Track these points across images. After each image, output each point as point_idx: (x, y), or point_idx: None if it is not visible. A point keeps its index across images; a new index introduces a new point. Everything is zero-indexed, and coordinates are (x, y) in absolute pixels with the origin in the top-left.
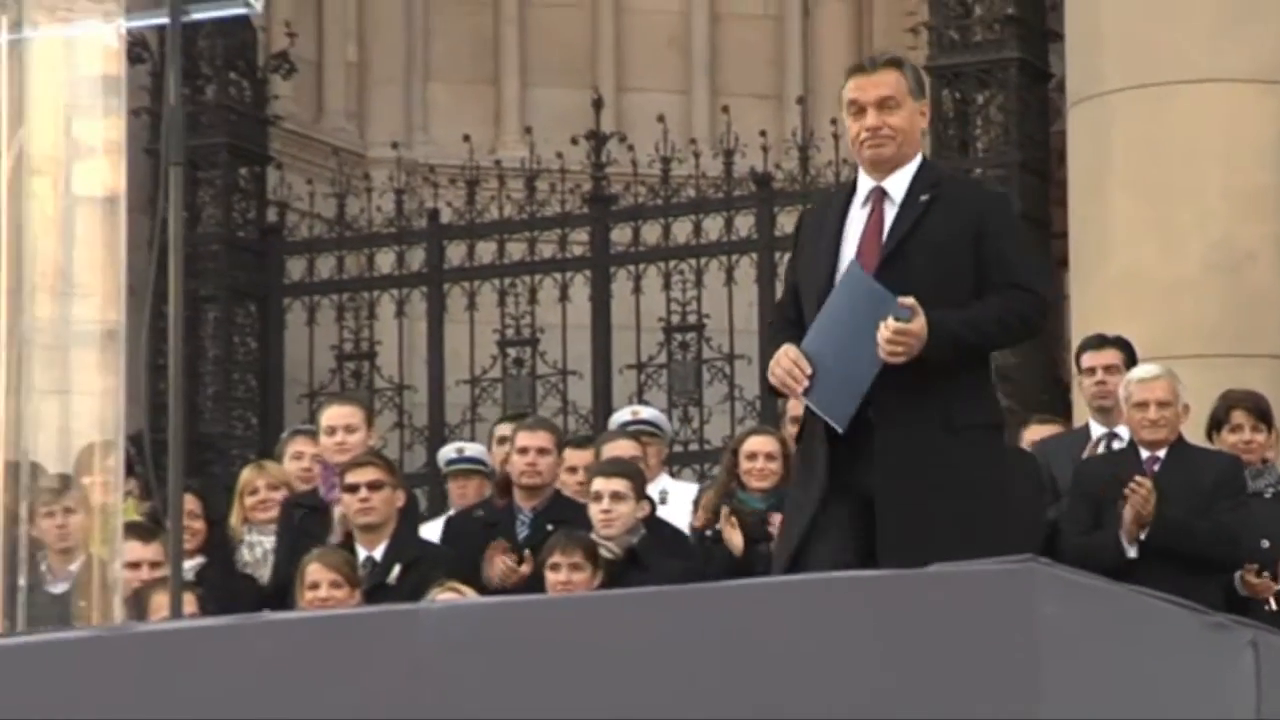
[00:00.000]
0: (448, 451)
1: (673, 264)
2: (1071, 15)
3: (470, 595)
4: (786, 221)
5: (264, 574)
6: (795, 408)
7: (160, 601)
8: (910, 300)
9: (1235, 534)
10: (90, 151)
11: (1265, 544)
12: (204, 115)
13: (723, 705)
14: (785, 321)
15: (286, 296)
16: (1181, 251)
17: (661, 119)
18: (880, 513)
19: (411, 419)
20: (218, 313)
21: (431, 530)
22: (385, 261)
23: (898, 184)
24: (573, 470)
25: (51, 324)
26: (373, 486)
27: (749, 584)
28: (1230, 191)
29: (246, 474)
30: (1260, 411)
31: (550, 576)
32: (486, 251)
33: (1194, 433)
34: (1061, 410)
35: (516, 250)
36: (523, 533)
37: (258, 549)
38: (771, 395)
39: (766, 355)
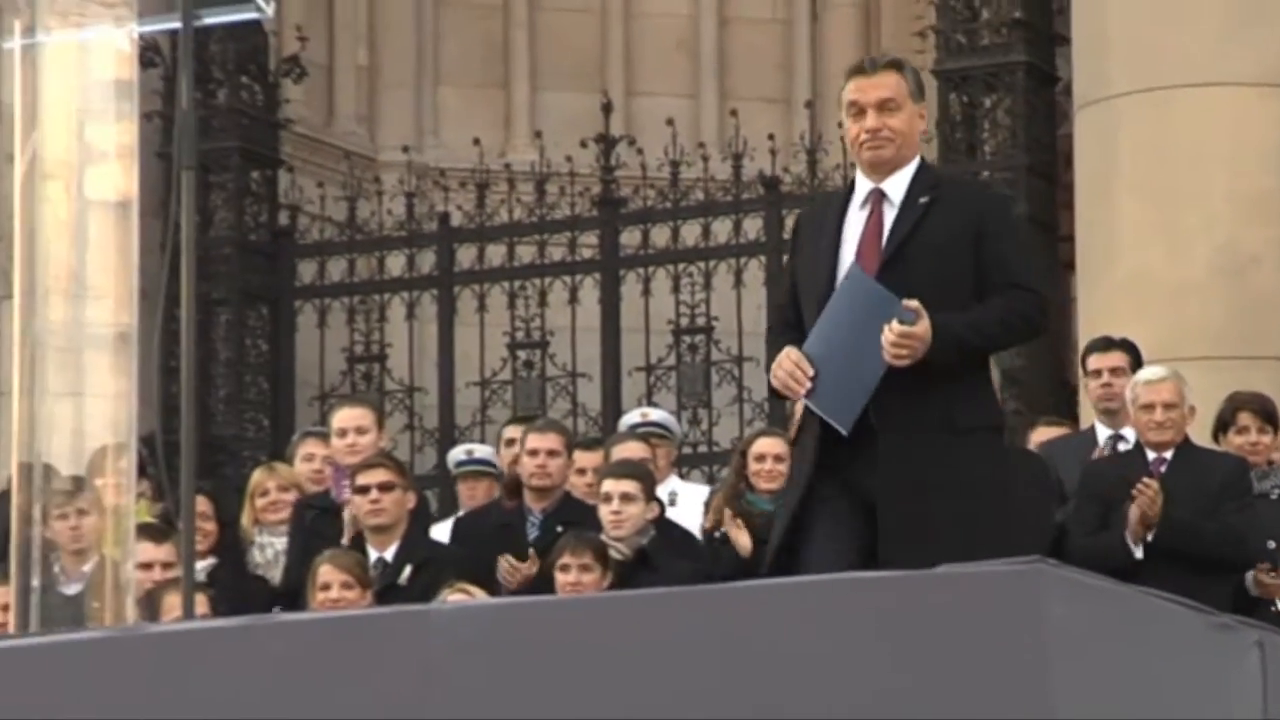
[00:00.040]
0: (457, 453)
1: (682, 267)
2: (1078, 19)
3: (480, 596)
4: None
5: (275, 575)
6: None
7: (172, 602)
8: (915, 303)
9: (1242, 535)
10: (103, 155)
11: (1271, 545)
12: (216, 119)
13: (731, 706)
14: (785, 324)
15: (298, 299)
16: (1188, 255)
17: (670, 122)
18: (882, 515)
19: (422, 421)
20: (229, 315)
21: (440, 531)
22: (396, 264)
23: (896, 186)
24: (581, 472)
25: (64, 327)
26: (383, 488)
27: (758, 585)
28: (1235, 195)
29: (257, 476)
30: (1266, 413)
31: (560, 577)
32: (496, 254)
33: (1200, 434)
34: (1069, 412)
35: (526, 253)
36: (533, 534)
37: (268, 550)
38: (774, 398)
39: (768, 358)
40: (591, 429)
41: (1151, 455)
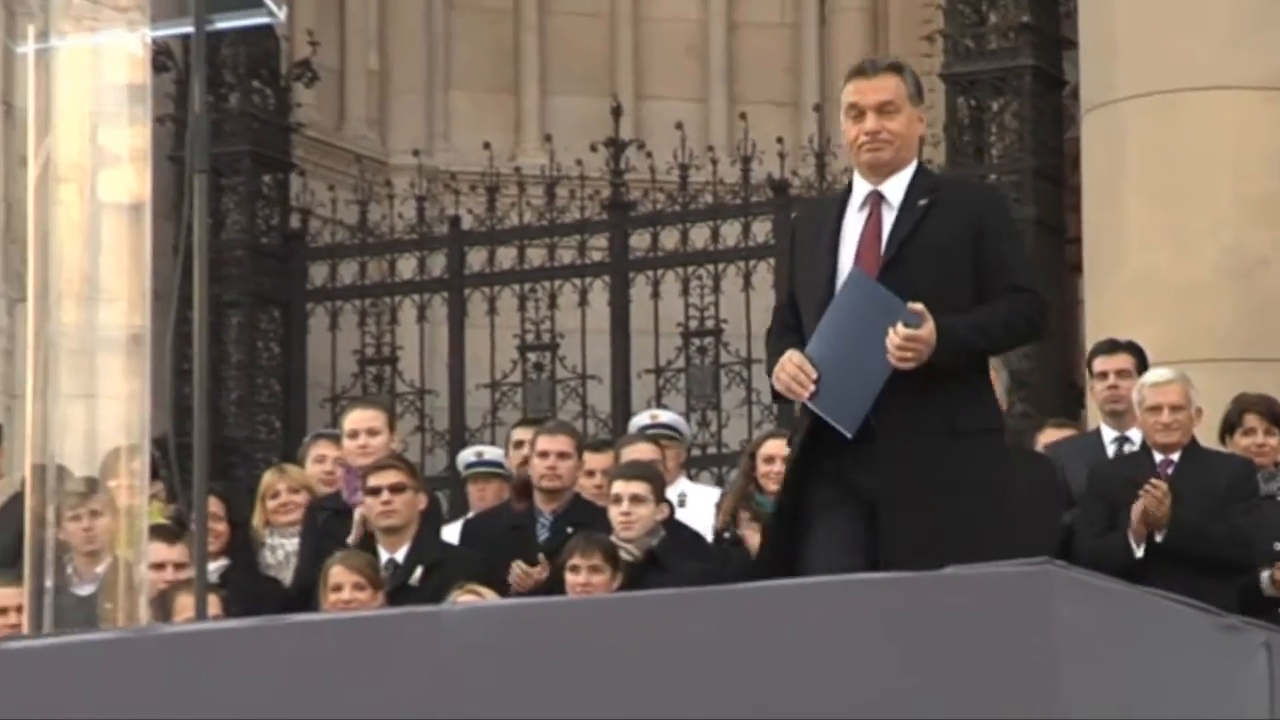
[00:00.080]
0: (467, 455)
1: (691, 269)
2: (1085, 23)
3: (490, 597)
4: None
5: (286, 576)
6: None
7: (185, 603)
8: (919, 306)
9: (1249, 537)
10: (116, 159)
11: (1278, 546)
12: (228, 123)
13: (741, 706)
14: (784, 327)
15: (309, 302)
16: (1194, 257)
17: (680, 126)
18: (883, 518)
19: (433, 423)
20: (241, 318)
21: (449, 533)
22: (407, 267)
23: (895, 188)
24: (590, 474)
25: (78, 329)
26: (394, 489)
27: (767, 586)
28: (1241, 198)
29: (268, 477)
30: (1273, 415)
31: (570, 578)
32: (507, 257)
33: (1207, 436)
34: (1076, 414)
35: (536, 256)
36: (543, 535)
37: (279, 552)
38: (776, 401)
39: (768, 361)
40: (601, 431)
41: (1158, 457)
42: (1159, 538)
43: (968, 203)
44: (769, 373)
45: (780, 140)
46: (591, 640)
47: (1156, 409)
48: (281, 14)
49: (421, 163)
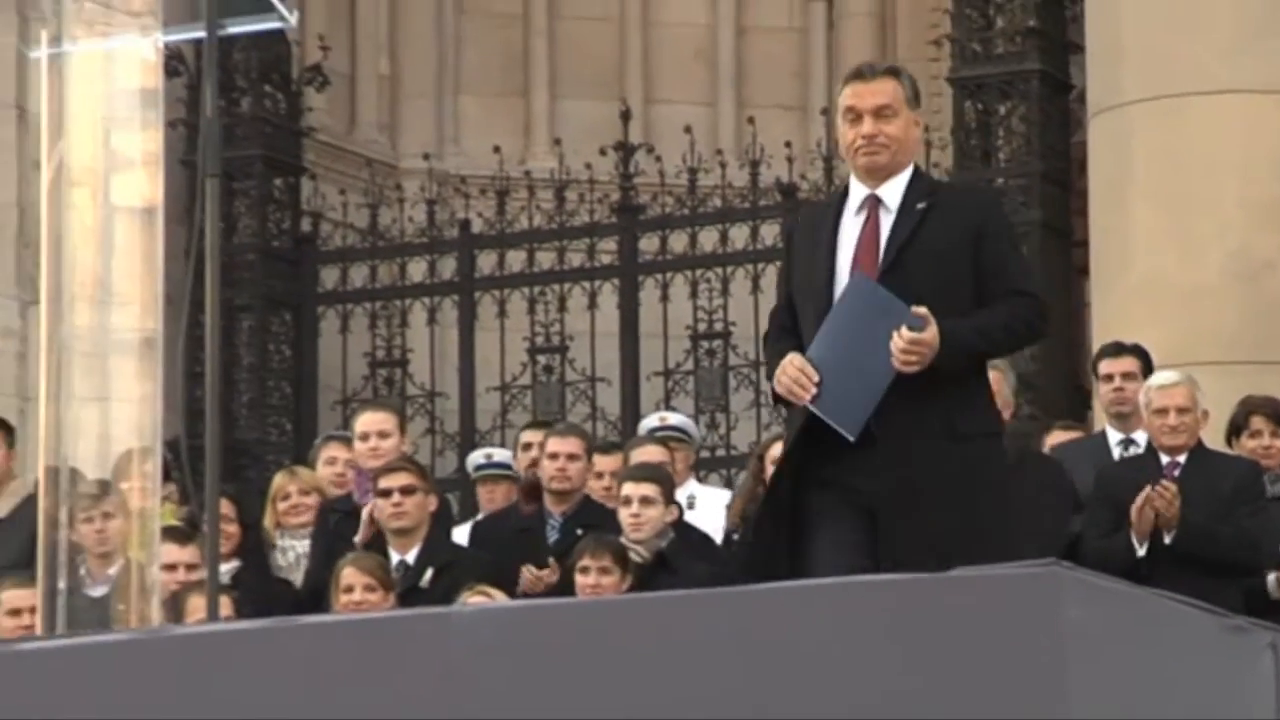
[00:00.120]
0: (476, 457)
1: (699, 272)
2: (1092, 28)
3: (500, 599)
4: None
5: (296, 578)
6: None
7: (197, 604)
8: (923, 310)
9: (1256, 539)
10: (128, 163)
11: None
12: (239, 127)
13: (749, 707)
14: (781, 330)
15: (320, 305)
16: (1201, 260)
17: (688, 130)
18: (884, 521)
19: (443, 425)
20: (253, 321)
21: (458, 535)
22: (417, 270)
23: (892, 192)
24: (599, 476)
25: (90, 332)
26: (405, 491)
27: (776, 588)
28: (1248, 202)
29: (279, 479)
30: (1279, 417)
31: (580, 579)
32: (516, 260)
33: (1214, 438)
34: (1083, 416)
35: (546, 259)
36: (553, 537)
37: (290, 553)
38: (777, 404)
39: (768, 365)
40: (611, 433)
41: (1165, 459)
42: (1167, 539)
43: (966, 207)
44: (769, 376)
45: (788, 144)
46: (601, 641)
47: (1163, 411)
48: (293, 19)
49: (432, 166)
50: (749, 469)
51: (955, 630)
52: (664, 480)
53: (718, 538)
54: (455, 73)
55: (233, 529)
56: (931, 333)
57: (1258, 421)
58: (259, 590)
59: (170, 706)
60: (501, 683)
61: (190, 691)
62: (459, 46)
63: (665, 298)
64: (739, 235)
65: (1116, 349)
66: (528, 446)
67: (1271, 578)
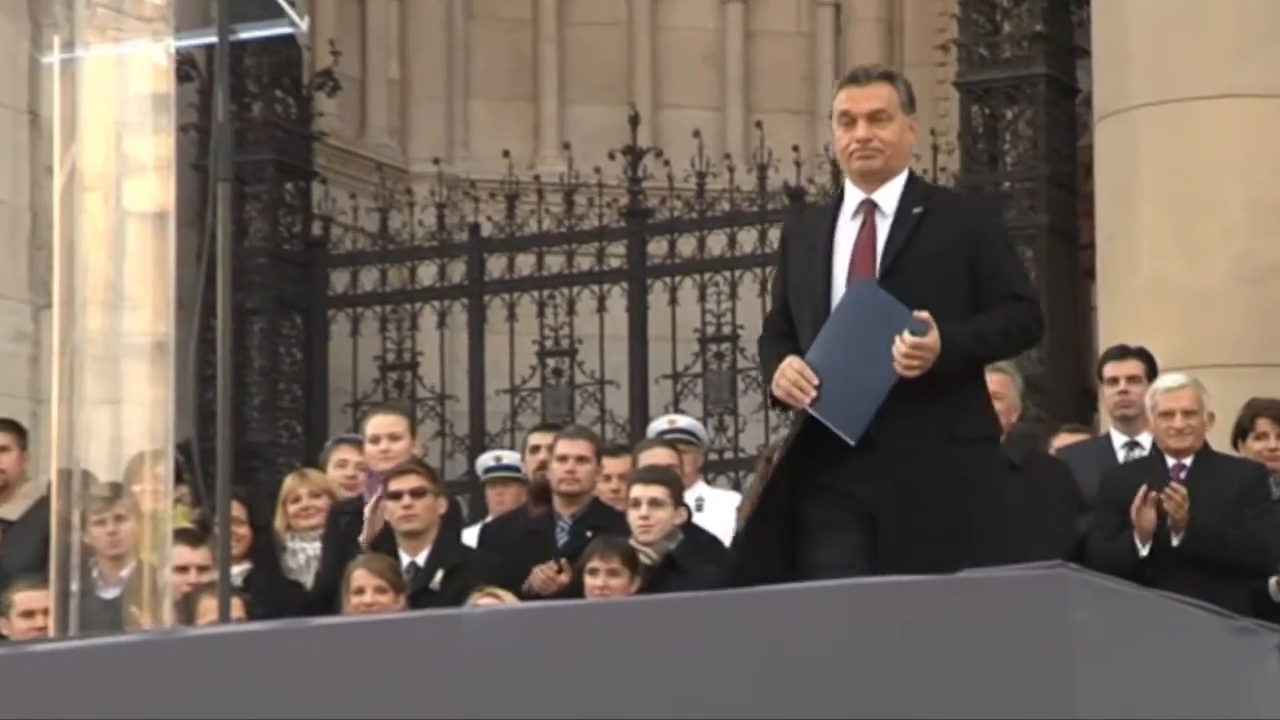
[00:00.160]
0: (486, 460)
1: (708, 276)
2: (1098, 32)
3: (510, 600)
4: None
5: (307, 580)
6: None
7: (208, 606)
8: (925, 314)
9: (1264, 541)
10: (140, 168)
11: None
12: (251, 132)
13: (757, 707)
14: (777, 335)
15: (331, 308)
16: (1206, 264)
17: (697, 134)
18: (883, 525)
19: (453, 428)
20: (264, 324)
21: (467, 537)
22: (427, 274)
23: (888, 196)
24: (607, 478)
25: (103, 336)
26: (415, 494)
27: (785, 590)
28: (1253, 205)
29: (289, 482)
30: None
31: (589, 581)
32: (526, 264)
33: (1219, 441)
34: (1090, 419)
35: (555, 263)
36: (562, 539)
37: (300, 556)
38: (775, 408)
39: (763, 369)
40: (619, 436)
41: (1171, 462)
42: (1175, 541)
43: (962, 212)
44: (765, 379)
45: (796, 148)
46: (610, 643)
47: (1169, 414)
48: (303, 24)
49: (442, 170)
50: (757, 471)
51: (962, 632)
52: (673, 482)
53: (726, 540)
54: (465, 77)
55: (244, 531)
56: (933, 337)
57: (1263, 424)
58: (270, 592)
59: (182, 707)
60: (511, 683)
61: (202, 692)
62: (469, 51)
63: (673, 301)
64: (747, 239)
65: (1121, 352)
66: (536, 449)
67: (1273, 581)
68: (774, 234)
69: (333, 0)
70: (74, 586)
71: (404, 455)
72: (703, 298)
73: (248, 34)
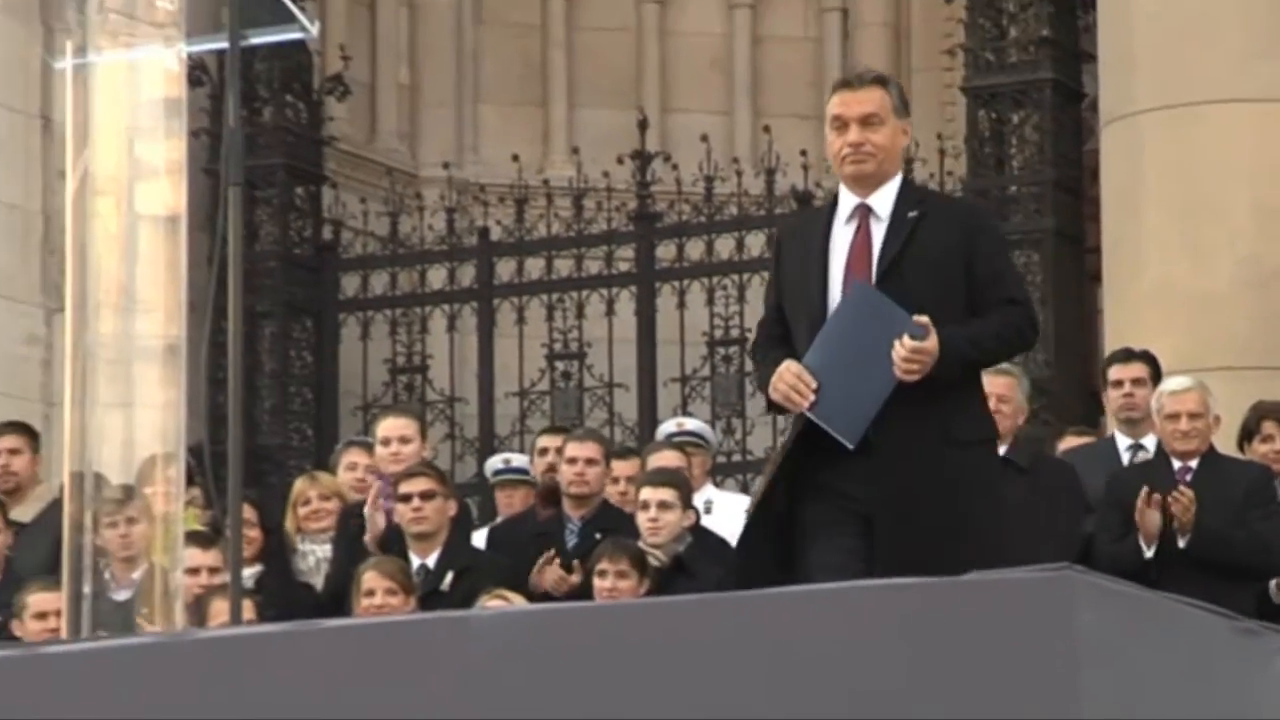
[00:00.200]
0: (495, 462)
1: (716, 280)
2: (1104, 37)
3: (518, 602)
4: None
5: (317, 582)
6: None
7: (219, 608)
8: (925, 319)
9: (1270, 543)
10: (152, 172)
11: None
12: (261, 136)
13: (766, 709)
14: (772, 340)
15: (341, 312)
16: (1212, 267)
17: (705, 139)
18: (881, 528)
19: (462, 430)
20: (275, 328)
21: (476, 539)
22: (437, 278)
23: (883, 200)
24: (615, 481)
25: (115, 339)
26: (425, 496)
27: (792, 591)
28: (1258, 209)
29: (299, 485)
30: None
31: (597, 583)
32: (535, 268)
33: (1225, 443)
34: (1096, 422)
35: (564, 266)
36: (571, 541)
37: (310, 558)
38: (772, 411)
39: (758, 373)
40: (628, 438)
41: (1177, 464)
42: (1182, 543)
43: (958, 215)
44: (760, 383)
45: (804, 153)
46: (618, 644)
47: (1175, 416)
48: (314, 29)
49: (451, 175)
50: (765, 474)
51: (969, 634)
52: (681, 485)
53: (734, 542)
54: (474, 82)
55: (255, 534)
56: (933, 342)
57: (1269, 426)
58: (281, 594)
59: (193, 708)
60: (520, 685)
61: (213, 694)
62: (478, 56)
63: (682, 304)
64: (755, 242)
65: (1126, 355)
66: (544, 451)
67: (1273, 583)
68: None
69: (343, 6)
70: (86, 588)
71: (414, 458)
72: (711, 301)
73: (259, 39)
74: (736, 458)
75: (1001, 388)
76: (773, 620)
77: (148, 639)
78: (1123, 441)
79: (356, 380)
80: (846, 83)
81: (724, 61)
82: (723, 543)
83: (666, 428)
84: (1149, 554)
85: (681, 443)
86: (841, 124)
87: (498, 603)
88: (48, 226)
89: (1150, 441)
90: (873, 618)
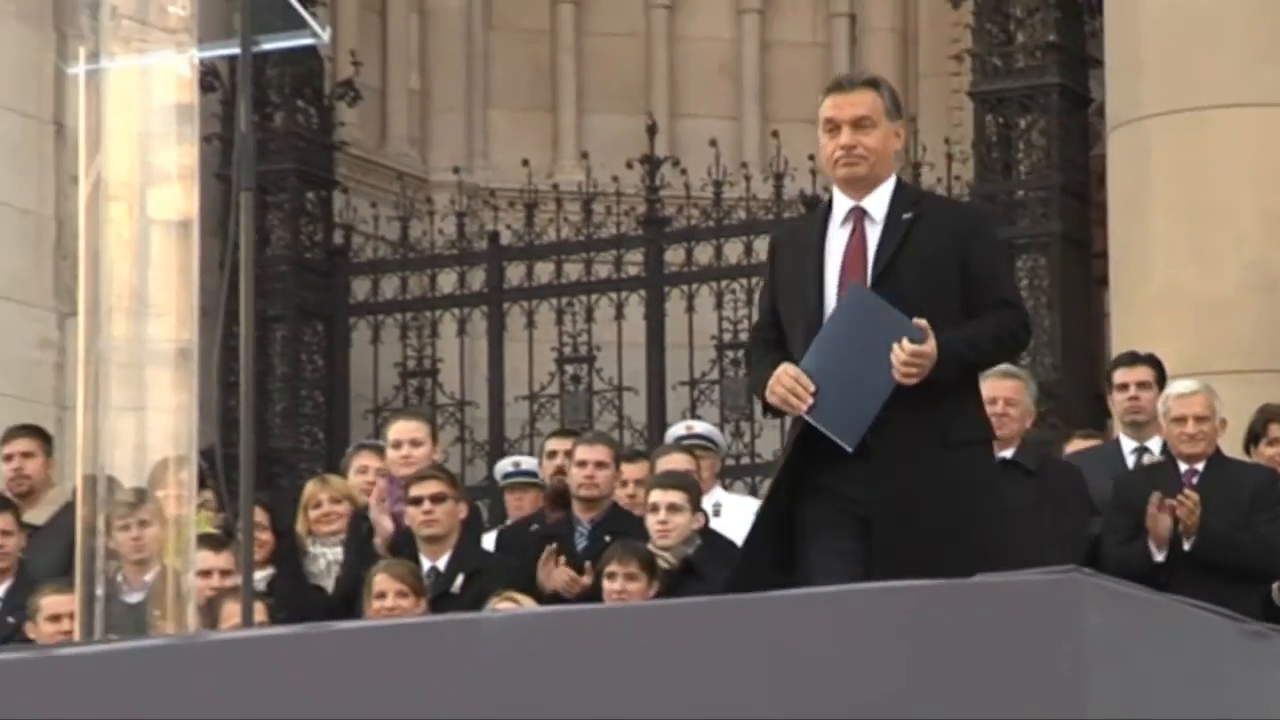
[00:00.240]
0: (504, 465)
1: (724, 283)
2: (1111, 43)
3: (528, 604)
4: None
5: (328, 584)
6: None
7: (231, 610)
8: (924, 322)
9: (1275, 545)
10: (164, 177)
11: None
12: (273, 142)
13: (774, 710)
14: (767, 344)
15: (352, 316)
16: (1218, 271)
17: (713, 143)
18: (879, 529)
19: (473, 434)
20: (286, 332)
21: (485, 542)
22: (447, 282)
23: (877, 203)
24: (624, 484)
25: (127, 343)
26: (436, 499)
27: (800, 594)
28: (1264, 214)
29: (310, 488)
30: None
31: (606, 585)
32: (545, 272)
33: (1232, 446)
34: (1103, 425)
35: (574, 271)
36: (581, 544)
37: (321, 560)
38: (768, 414)
39: (751, 377)
40: (637, 441)
41: (1183, 467)
42: (1187, 546)
43: (952, 217)
44: (754, 386)
45: (812, 157)
46: (627, 646)
47: (1181, 420)
48: (325, 35)
49: (461, 180)
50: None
51: (976, 636)
52: (690, 488)
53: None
54: (484, 88)
55: (266, 536)
56: (932, 345)
57: (1275, 429)
58: (292, 596)
59: (205, 710)
60: (529, 687)
61: (225, 696)
62: (488, 62)
63: (691, 308)
64: (763, 247)
65: (1130, 359)
66: (552, 454)
67: (1276, 586)
68: None
69: (354, 12)
70: (99, 591)
71: (425, 461)
72: (719, 305)
73: (270, 45)
74: (745, 461)
75: (1009, 391)
76: (782, 623)
77: (160, 641)
78: (1127, 444)
79: (367, 384)
80: (838, 85)
81: (732, 67)
82: (731, 545)
83: (675, 431)
84: (1160, 558)
85: (690, 446)
86: (833, 127)
87: (507, 605)
88: (60, 231)
89: (1155, 444)
90: (881, 620)
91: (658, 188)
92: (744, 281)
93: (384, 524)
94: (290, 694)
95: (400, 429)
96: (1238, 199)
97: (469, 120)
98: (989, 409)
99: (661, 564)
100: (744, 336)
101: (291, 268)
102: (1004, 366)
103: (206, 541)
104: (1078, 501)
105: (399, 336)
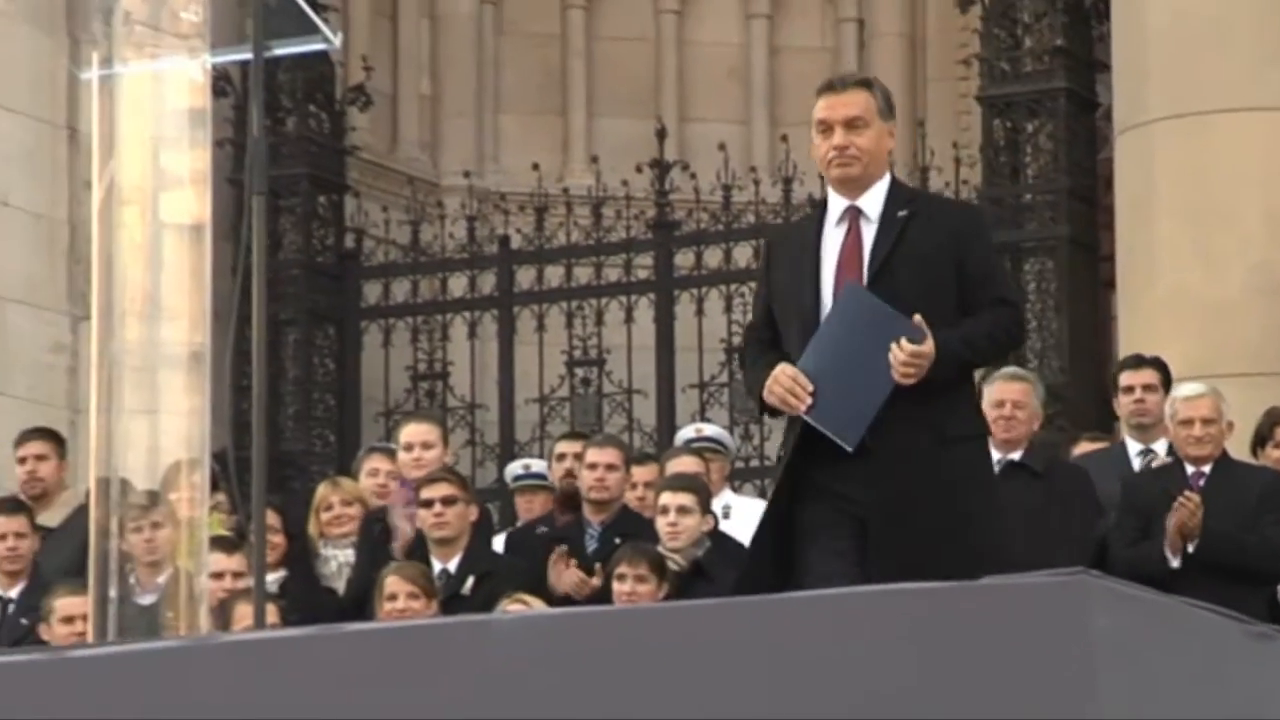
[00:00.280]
0: (514, 468)
1: (734, 287)
2: (1118, 47)
3: (538, 607)
4: None
5: (339, 586)
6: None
7: (244, 612)
8: (921, 321)
9: (1279, 548)
10: (177, 181)
11: None
12: (285, 146)
13: (784, 712)
14: (762, 344)
15: (363, 319)
16: (1224, 275)
17: (723, 148)
18: (876, 529)
19: (483, 436)
20: (298, 335)
21: (495, 544)
22: (458, 285)
23: (872, 202)
24: (634, 486)
25: (140, 346)
26: (446, 501)
27: (808, 596)
28: (1270, 217)
29: (321, 490)
30: None
31: (616, 587)
32: (555, 275)
33: (1238, 449)
34: (1110, 428)
35: (583, 274)
36: (591, 546)
37: (332, 562)
38: (764, 414)
39: (747, 378)
40: (647, 444)
41: (1190, 469)
42: (1190, 548)
43: (947, 215)
44: (749, 386)
45: None
46: (637, 648)
47: (1188, 422)
48: (336, 40)
49: (472, 184)
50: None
51: (984, 638)
52: (700, 490)
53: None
54: (495, 92)
55: (278, 539)
56: (930, 345)
57: None
58: (304, 598)
59: (217, 712)
60: (539, 689)
61: (237, 697)
62: (498, 67)
63: (700, 312)
64: None
65: (1136, 361)
66: (562, 457)
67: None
68: None
69: (365, 17)
70: (112, 592)
71: (436, 463)
72: (729, 308)
73: (282, 50)
74: (754, 463)
75: (1017, 393)
76: (791, 624)
77: (173, 643)
78: (1133, 447)
79: (378, 387)
80: (830, 86)
81: (741, 71)
82: (741, 547)
83: (685, 433)
84: (1175, 564)
85: (700, 448)
86: (826, 127)
87: (518, 607)
88: (74, 236)
89: (1160, 446)
90: (889, 622)
91: (667, 192)
92: (753, 285)
93: (405, 529)
94: (302, 695)
95: (411, 432)
96: (1244, 202)
97: (479, 125)
98: (997, 411)
99: (671, 566)
100: None
101: (303, 272)
102: (1012, 369)
103: (219, 544)
104: (1085, 503)
105: (410, 340)
